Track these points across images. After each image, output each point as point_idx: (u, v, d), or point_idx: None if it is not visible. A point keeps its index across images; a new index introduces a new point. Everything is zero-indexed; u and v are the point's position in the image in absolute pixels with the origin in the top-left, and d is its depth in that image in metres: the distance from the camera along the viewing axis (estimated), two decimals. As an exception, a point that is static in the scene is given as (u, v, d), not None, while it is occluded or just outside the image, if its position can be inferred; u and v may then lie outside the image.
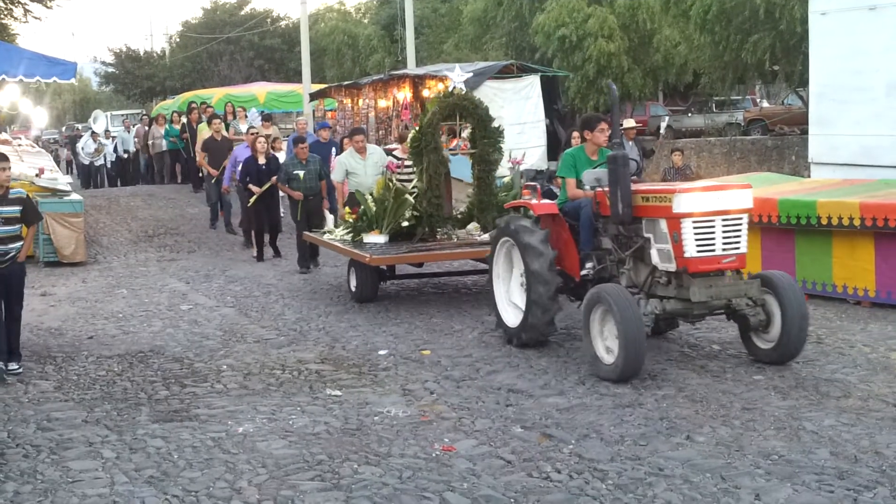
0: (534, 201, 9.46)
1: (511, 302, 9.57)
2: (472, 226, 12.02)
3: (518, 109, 20.59)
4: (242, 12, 55.34)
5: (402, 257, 11.56)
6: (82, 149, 29.87)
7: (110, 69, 58.50)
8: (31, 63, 16.11)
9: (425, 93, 21.27)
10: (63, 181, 17.25)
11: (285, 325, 10.80)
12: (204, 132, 19.71)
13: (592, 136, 9.31)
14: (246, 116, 23.09)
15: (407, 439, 6.78)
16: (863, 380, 7.83)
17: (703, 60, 28.57)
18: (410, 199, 11.91)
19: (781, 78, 29.37)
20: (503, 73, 20.90)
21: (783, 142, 25.66)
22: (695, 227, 7.97)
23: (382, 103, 22.78)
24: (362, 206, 12.22)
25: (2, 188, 8.78)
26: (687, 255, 7.99)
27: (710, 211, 7.99)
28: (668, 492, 5.72)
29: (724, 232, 8.05)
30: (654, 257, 8.32)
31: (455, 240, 11.77)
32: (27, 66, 16.04)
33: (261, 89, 32.68)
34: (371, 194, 12.32)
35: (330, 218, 14.48)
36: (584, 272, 9.02)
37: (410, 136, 12.15)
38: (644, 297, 8.33)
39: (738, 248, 8.12)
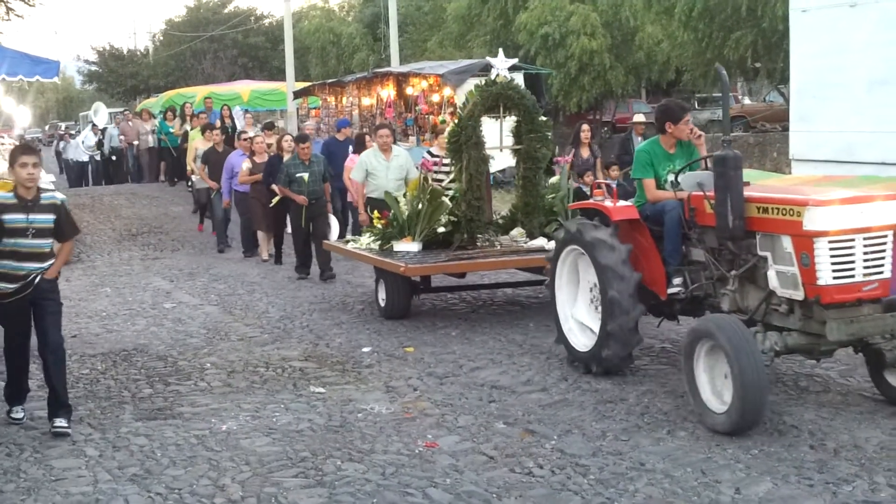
0: (608, 203, 8.19)
1: (578, 322, 8.44)
2: (517, 231, 10.88)
3: (501, 107, 20.59)
4: (226, 10, 55.21)
5: (442, 266, 10.33)
6: (83, 142, 29.42)
7: (94, 68, 58.29)
8: (14, 61, 16.03)
9: (409, 90, 21.27)
10: (46, 180, 17.18)
11: (269, 322, 10.81)
12: (196, 141, 18.51)
13: (675, 129, 8.01)
14: (254, 124, 22.08)
15: (390, 436, 6.81)
16: (842, 374, 7.89)
17: (686, 57, 28.66)
18: (447, 201, 10.78)
19: (763, 75, 29.50)
20: (487, 71, 20.88)
21: (765, 138, 25.79)
22: (832, 249, 6.55)
23: (366, 101, 22.74)
24: (392, 211, 11.04)
25: (32, 190, 7.01)
26: (820, 282, 6.54)
27: (851, 228, 6.56)
28: (649, 486, 5.77)
29: (865, 253, 6.62)
30: (773, 281, 6.93)
31: (498, 247, 10.62)
32: (10, 64, 15.95)
33: (244, 87, 32.60)
34: (404, 196, 11.22)
35: (335, 224, 13.46)
36: (672, 290, 7.78)
37: (448, 129, 10.94)
38: (761, 330, 6.98)
39: (881, 273, 6.68)
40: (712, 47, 26.26)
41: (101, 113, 32.72)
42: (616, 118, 34.51)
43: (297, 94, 27.86)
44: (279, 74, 39.95)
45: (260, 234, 15.50)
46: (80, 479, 6.19)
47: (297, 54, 37.30)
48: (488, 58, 11.06)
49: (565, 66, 28.81)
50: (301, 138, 14.10)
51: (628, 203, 8.18)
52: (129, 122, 28.11)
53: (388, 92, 21.73)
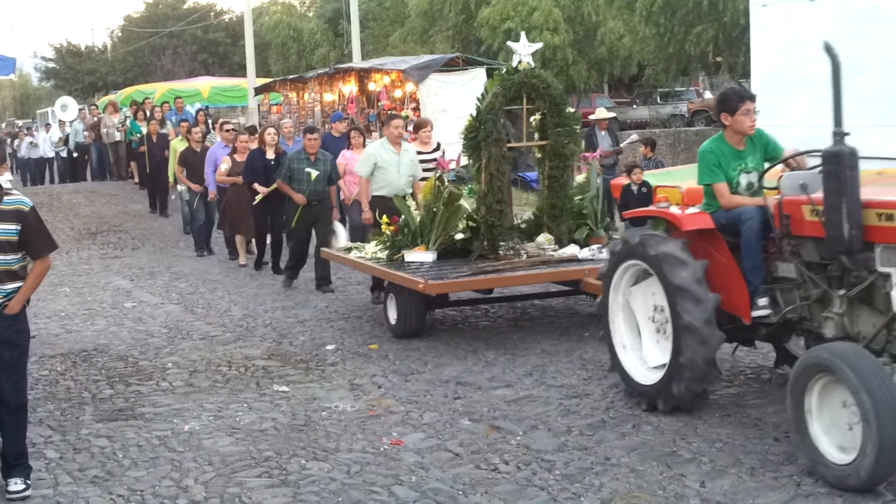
0: (674, 210, 7.06)
1: (637, 348, 7.27)
2: (543, 237, 9.77)
3: (464, 102, 20.60)
4: (185, 6, 55.04)
5: (468, 283, 9.09)
6: (49, 138, 28.88)
7: (51, 64, 57.87)
8: (-31, 58, 15.82)
9: (371, 86, 21.26)
10: (4, 178, 16.89)
11: (231, 321, 10.72)
12: (179, 148, 16.89)
13: (733, 121, 6.79)
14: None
15: (355, 434, 6.77)
16: (805, 367, 7.93)
17: (648, 52, 28.89)
18: (465, 205, 9.75)
19: (725, 69, 29.74)
20: (449, 66, 20.94)
21: (727, 133, 25.96)
22: None
23: (328, 97, 22.73)
24: (403, 216, 9.96)
25: None
26: None
27: None
28: (614, 481, 5.76)
29: None
30: None
31: (524, 256, 9.49)
32: (-36, 61, 15.75)
33: (204, 84, 32.43)
34: (411, 196, 10.35)
35: (341, 232, 12.28)
36: (758, 313, 6.57)
37: (466, 123, 9.79)
38: (888, 362, 5.73)
39: None
40: (674, 42, 26.47)
41: (70, 108, 31.95)
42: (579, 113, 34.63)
43: (258, 91, 27.77)
44: (240, 70, 39.83)
45: (238, 239, 14.49)
46: (40, 481, 6.08)
47: (258, 50, 37.13)
48: (509, 42, 10.17)
49: (528, 62, 28.92)
50: (310, 129, 12.65)
51: (700, 210, 6.96)
52: (94, 118, 27.47)
53: (349, 88, 21.73)
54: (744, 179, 6.85)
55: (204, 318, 10.96)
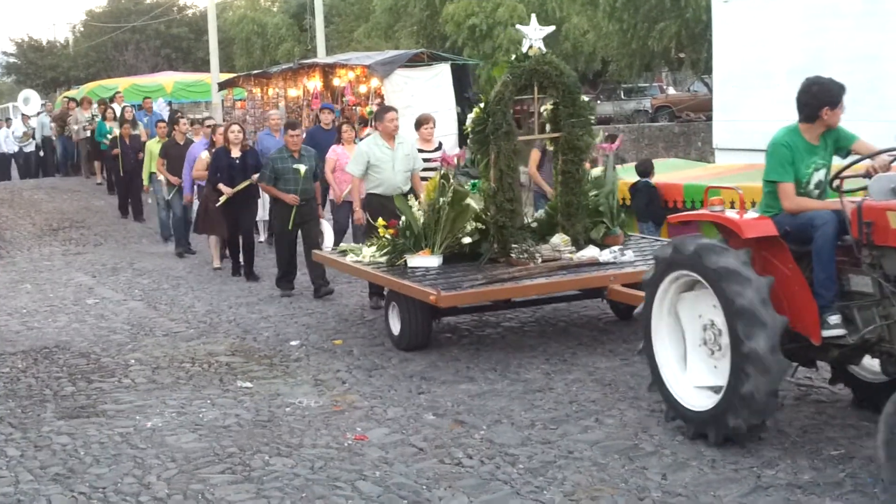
0: (731, 214, 6.27)
1: (682, 369, 6.48)
2: (558, 238, 8.99)
3: (429, 98, 20.63)
4: (148, 1, 54.57)
5: (486, 292, 8.24)
6: (13, 132, 28.39)
7: (12, 59, 57.30)
8: (-73, 53, 15.56)
9: (336, 82, 21.18)
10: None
11: (195, 317, 10.67)
12: (155, 149, 16.01)
13: (832, 115, 6.01)
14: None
15: (319, 430, 6.76)
16: (766, 360, 8.01)
17: (611, 48, 29.06)
18: (473, 205, 9.02)
19: (687, 65, 29.97)
20: (414, 62, 20.90)
21: (689, 128, 26.21)
22: None
23: (293, 92, 22.57)
24: (404, 217, 9.23)
25: None
26: None
27: None
28: (577, 474, 5.80)
29: None
30: None
31: (539, 260, 8.71)
32: (-78, 56, 15.49)
33: (168, 79, 32.16)
34: (410, 194, 9.72)
35: (328, 231, 11.92)
36: (828, 332, 5.79)
37: (472, 116, 9.08)
38: None
39: None
40: (637, 38, 26.66)
41: (32, 101, 31.37)
42: (543, 109, 34.76)
43: (222, 86, 27.57)
44: (203, 65, 39.64)
45: (212, 240, 13.81)
46: (0, 479, 6.04)
47: (222, 45, 36.93)
48: (518, 26, 9.32)
49: (493, 57, 29.00)
50: (291, 125, 11.82)
51: (761, 216, 6.23)
52: (70, 112, 26.83)
53: (314, 83, 21.61)
54: (815, 177, 6.15)
55: (167, 314, 10.90)
